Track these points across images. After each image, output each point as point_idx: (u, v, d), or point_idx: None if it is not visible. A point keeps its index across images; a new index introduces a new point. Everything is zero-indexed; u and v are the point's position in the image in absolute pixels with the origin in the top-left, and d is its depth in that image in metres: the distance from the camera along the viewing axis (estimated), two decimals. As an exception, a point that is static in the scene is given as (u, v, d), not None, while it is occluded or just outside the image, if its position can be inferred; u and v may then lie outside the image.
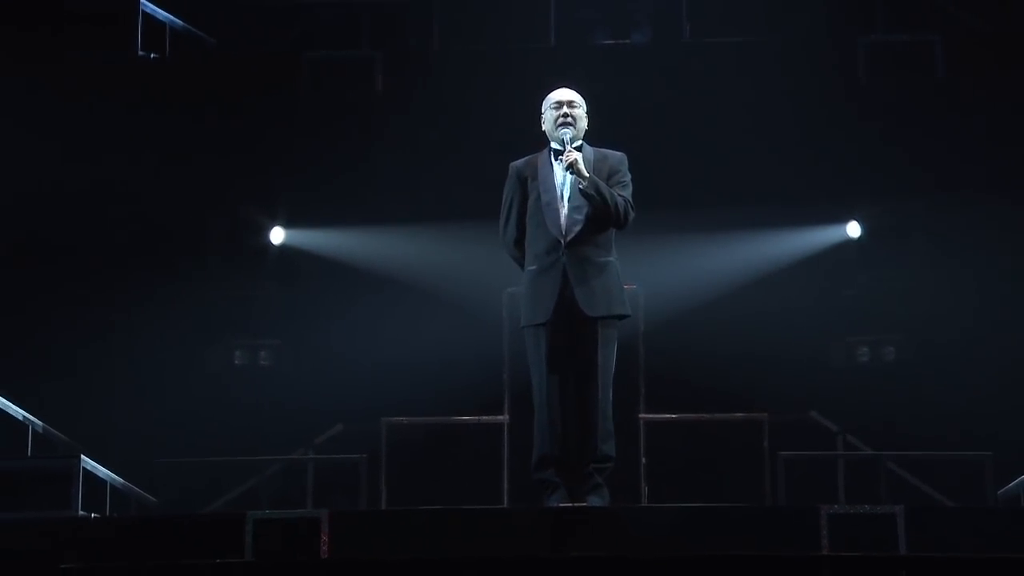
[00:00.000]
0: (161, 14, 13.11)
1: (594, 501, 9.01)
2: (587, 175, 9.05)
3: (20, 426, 9.71)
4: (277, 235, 13.01)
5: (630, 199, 9.19)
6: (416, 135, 12.51)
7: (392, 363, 12.18)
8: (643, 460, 10.99)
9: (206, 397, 12.31)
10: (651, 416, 11.23)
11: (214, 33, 13.41)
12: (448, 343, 12.09)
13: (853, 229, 12.91)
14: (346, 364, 12.38)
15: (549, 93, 9.28)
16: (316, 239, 12.93)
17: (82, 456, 9.42)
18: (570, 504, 8.90)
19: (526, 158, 9.33)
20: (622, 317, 9.21)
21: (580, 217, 9.09)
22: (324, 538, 8.72)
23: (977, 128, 12.35)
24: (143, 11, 12.91)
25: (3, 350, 10.98)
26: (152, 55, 12.91)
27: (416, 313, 12.52)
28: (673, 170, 11.85)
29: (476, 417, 11.29)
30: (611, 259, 9.19)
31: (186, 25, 13.25)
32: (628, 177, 9.24)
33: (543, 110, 9.29)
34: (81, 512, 9.30)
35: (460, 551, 8.47)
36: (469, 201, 11.88)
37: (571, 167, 9.05)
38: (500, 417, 11.04)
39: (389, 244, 12.71)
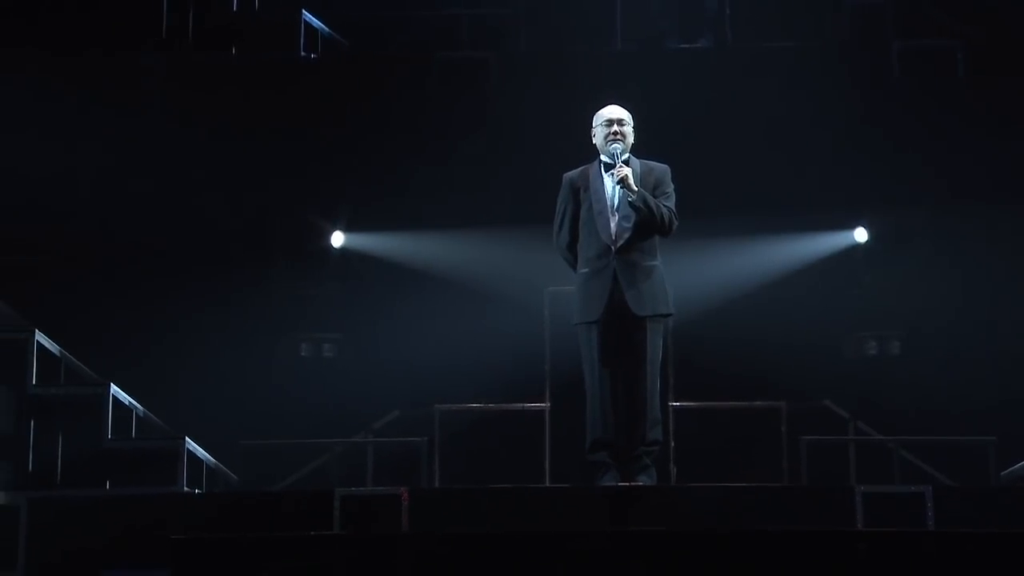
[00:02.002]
0: (315, 22, 13.32)
1: (643, 480, 9.16)
2: (636, 189, 9.20)
3: (126, 411, 9.85)
4: (337, 239, 13.09)
5: (674, 209, 9.32)
6: (469, 141, 12.65)
7: (443, 355, 12.23)
8: (672, 443, 11.06)
9: (276, 385, 12.42)
10: (679, 404, 11.32)
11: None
12: (494, 337, 12.14)
13: (860, 234, 13.00)
14: (401, 356, 12.45)
15: (600, 109, 9.39)
16: (373, 242, 13.00)
17: (186, 438, 9.60)
18: (627, 484, 9.07)
19: (579, 169, 9.43)
20: (666, 316, 9.39)
21: (628, 225, 9.23)
22: (404, 513, 8.99)
23: (979, 139, 12.46)
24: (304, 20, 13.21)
25: (109, 344, 11.08)
26: (312, 55, 13.14)
27: (465, 310, 12.55)
28: (700, 178, 11.94)
29: (520, 404, 11.34)
30: (656, 263, 9.34)
31: (331, 31, 13.43)
32: (671, 188, 9.37)
33: (594, 125, 9.39)
34: (185, 488, 9.46)
35: (529, 525, 8.60)
36: (519, 206, 12.09)
37: (622, 182, 9.21)
38: (542, 404, 11.08)
39: (440, 246, 12.77)
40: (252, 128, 12.53)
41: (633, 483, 9.13)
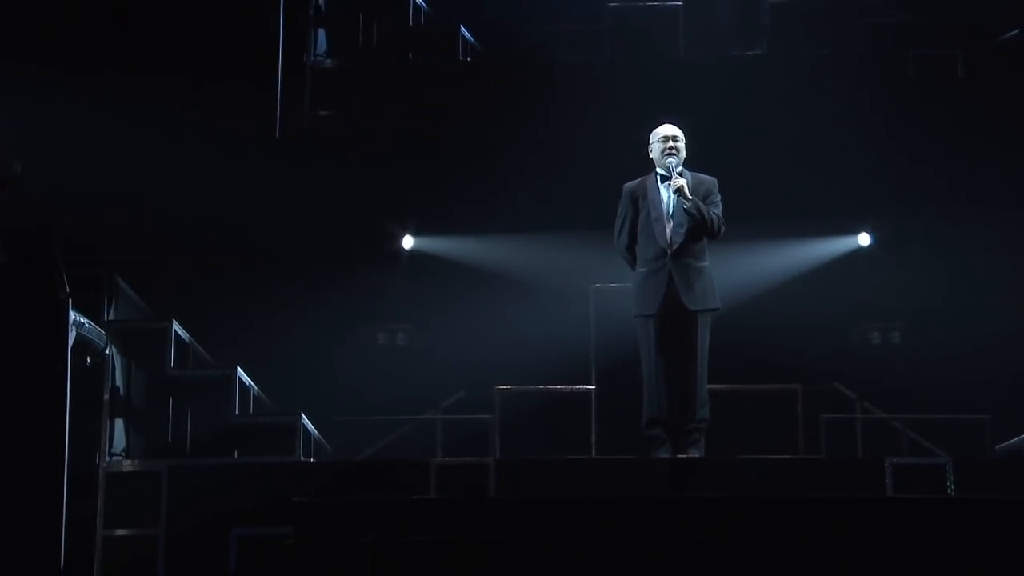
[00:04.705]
0: (467, 35, 13.62)
1: (694, 452, 9.40)
2: (691, 198, 9.45)
3: (243, 390, 10.04)
4: (408, 242, 13.21)
5: (721, 216, 9.59)
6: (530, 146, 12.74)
7: (502, 343, 12.31)
8: (699, 422, 11.16)
9: (357, 369, 12.48)
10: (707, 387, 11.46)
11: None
12: (546, 328, 12.23)
13: (864, 238, 13.12)
14: (465, 344, 12.49)
15: (655, 128, 9.57)
16: (439, 245, 13.14)
17: (301, 414, 9.79)
18: (684, 455, 9.32)
19: (637, 180, 9.63)
20: (715, 310, 9.64)
21: (682, 231, 9.47)
22: (491, 480, 9.20)
23: (971, 149, 12.57)
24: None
25: (216, 330, 11.21)
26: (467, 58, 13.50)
27: (520, 303, 12.65)
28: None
29: (569, 387, 11.47)
30: (706, 264, 9.58)
31: (475, 43, 13.74)
32: (719, 198, 9.61)
33: (650, 142, 9.58)
34: (301, 458, 9.67)
35: (599, 491, 8.84)
36: (569, 213, 12.24)
37: (679, 191, 9.45)
38: (589, 387, 11.21)
39: (499, 248, 12.88)
40: (342, 147, 12.77)
41: (685, 455, 9.36)
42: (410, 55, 13.44)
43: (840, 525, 8.03)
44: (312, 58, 13.07)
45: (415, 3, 13.94)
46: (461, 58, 13.47)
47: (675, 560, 7.95)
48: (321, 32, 13.27)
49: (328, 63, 13.18)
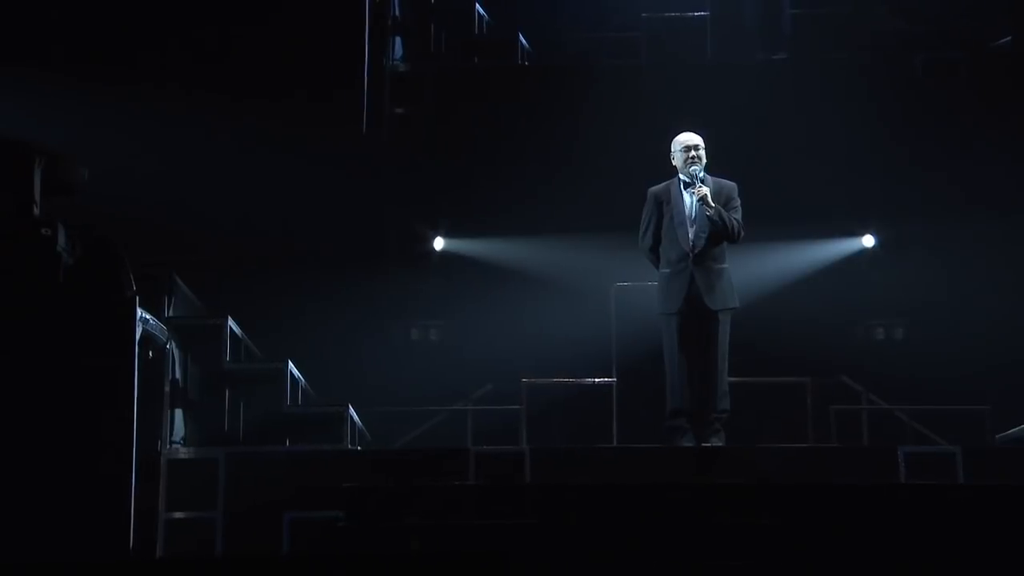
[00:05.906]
0: (523, 42, 13.86)
1: (715, 441, 9.50)
2: (713, 206, 9.56)
3: (294, 382, 10.13)
4: (439, 243, 13.31)
5: (741, 221, 9.69)
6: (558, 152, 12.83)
7: (528, 339, 12.43)
8: (713, 413, 11.20)
9: (392, 363, 12.63)
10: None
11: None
12: (570, 324, 12.30)
13: (868, 240, 13.24)
14: (493, 339, 12.59)
15: (676, 137, 9.64)
16: (468, 246, 13.23)
17: (349, 405, 9.91)
18: (706, 444, 9.44)
19: (661, 184, 9.72)
20: (734, 309, 9.76)
21: (704, 235, 9.56)
22: (527, 467, 9.31)
23: (968, 153, 12.66)
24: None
25: (266, 328, 11.29)
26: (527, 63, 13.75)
27: (546, 301, 12.74)
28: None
29: (591, 379, 11.53)
30: (725, 266, 9.69)
31: (527, 45, 13.94)
32: (739, 203, 9.69)
33: (673, 150, 9.65)
34: (349, 446, 9.79)
35: (629, 478, 8.93)
36: (592, 215, 12.31)
37: (703, 200, 9.57)
38: (610, 380, 11.28)
39: (525, 249, 12.96)
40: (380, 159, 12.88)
41: (708, 444, 9.47)
42: (475, 59, 13.72)
43: (858, 509, 8.16)
44: (391, 62, 13.24)
45: (478, 13, 14.16)
46: (520, 62, 13.70)
47: (701, 541, 8.04)
48: (398, 39, 13.50)
49: (402, 67, 13.36)
